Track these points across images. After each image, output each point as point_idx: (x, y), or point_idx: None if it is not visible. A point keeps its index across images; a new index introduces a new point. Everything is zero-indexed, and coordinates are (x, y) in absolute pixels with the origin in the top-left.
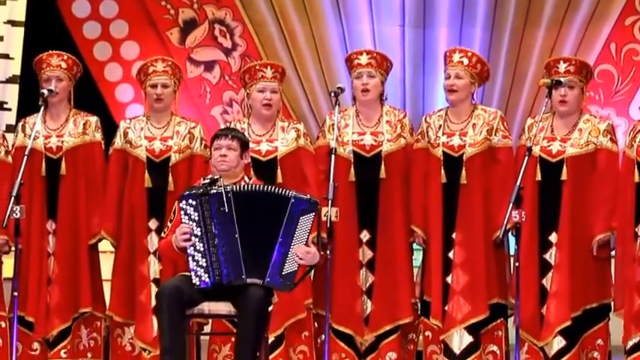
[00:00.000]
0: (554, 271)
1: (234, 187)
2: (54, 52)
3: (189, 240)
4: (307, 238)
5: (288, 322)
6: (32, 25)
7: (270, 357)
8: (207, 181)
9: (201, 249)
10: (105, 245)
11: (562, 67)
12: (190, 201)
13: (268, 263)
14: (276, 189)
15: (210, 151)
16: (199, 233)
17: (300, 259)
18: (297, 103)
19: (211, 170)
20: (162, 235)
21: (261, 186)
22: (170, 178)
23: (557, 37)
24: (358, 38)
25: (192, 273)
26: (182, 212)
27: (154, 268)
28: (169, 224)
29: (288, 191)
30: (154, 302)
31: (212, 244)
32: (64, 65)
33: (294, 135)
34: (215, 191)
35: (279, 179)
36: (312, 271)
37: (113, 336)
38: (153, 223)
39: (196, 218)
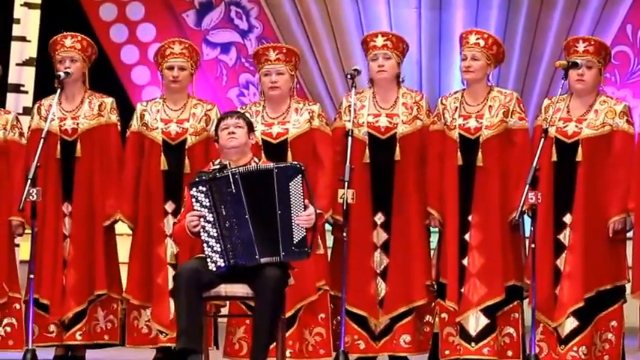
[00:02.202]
0: (567, 253)
1: (240, 169)
2: (68, 33)
3: (197, 226)
4: (303, 201)
5: (299, 305)
6: (49, 8)
7: None
8: (216, 166)
9: (215, 234)
10: (121, 228)
11: (581, 46)
12: (200, 187)
13: (277, 238)
14: (260, 165)
15: (217, 134)
16: (212, 219)
17: (305, 225)
18: (313, 85)
19: (220, 153)
20: (176, 221)
21: (253, 165)
22: (186, 161)
23: (574, 19)
24: (374, 20)
25: (208, 259)
26: (193, 199)
27: (171, 250)
28: (183, 210)
29: (269, 164)
30: (170, 285)
31: (224, 228)
32: (78, 46)
33: (307, 116)
34: (223, 175)
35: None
36: (330, 248)
37: (130, 318)
38: (169, 206)
39: (207, 204)
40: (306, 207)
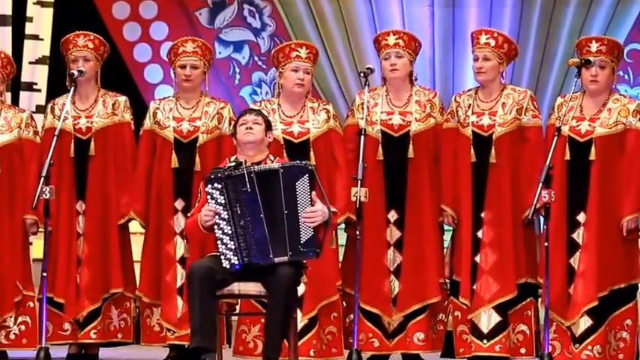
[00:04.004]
0: (581, 251)
1: (255, 167)
2: (80, 32)
3: (209, 221)
4: (311, 201)
5: (320, 304)
6: (61, 6)
7: (304, 339)
8: (232, 163)
9: (229, 232)
10: (134, 226)
11: (594, 46)
12: (216, 185)
13: (285, 238)
14: (267, 165)
15: (236, 129)
16: (226, 216)
17: (310, 222)
18: (326, 84)
19: (237, 149)
20: (189, 215)
21: (264, 165)
22: (197, 159)
23: (587, 16)
24: (387, 18)
25: (222, 256)
26: (208, 196)
27: (180, 248)
28: (197, 205)
29: (276, 164)
30: (179, 283)
31: (239, 227)
32: (90, 45)
33: (324, 116)
34: (238, 173)
35: (312, 161)
36: (342, 246)
37: (143, 316)
38: (179, 204)
39: (222, 201)
40: (313, 205)
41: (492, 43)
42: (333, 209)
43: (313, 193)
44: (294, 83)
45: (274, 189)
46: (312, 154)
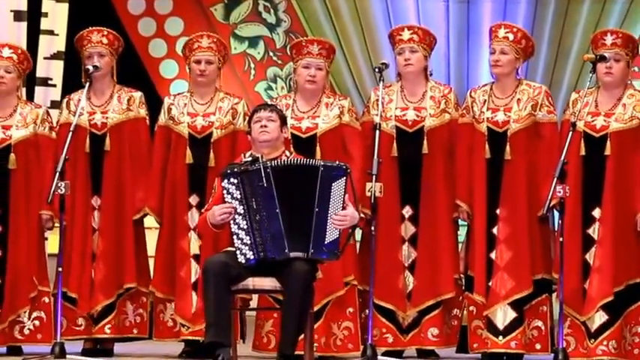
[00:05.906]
0: (597, 247)
1: (273, 162)
2: (94, 28)
3: (226, 218)
4: (343, 203)
5: (326, 299)
6: (77, 1)
7: None
8: (248, 158)
9: (245, 226)
10: (149, 221)
11: (609, 39)
12: (232, 179)
13: (309, 235)
14: (306, 160)
15: (250, 126)
16: (242, 211)
17: (339, 225)
18: (341, 79)
19: (252, 145)
20: (202, 211)
21: (294, 159)
22: (211, 154)
23: (602, 12)
24: (402, 13)
25: (237, 251)
26: (224, 191)
27: (195, 244)
28: (211, 201)
29: (316, 161)
30: (193, 278)
31: (255, 221)
32: (105, 41)
33: (337, 112)
34: (255, 168)
35: (318, 156)
36: (358, 242)
37: (156, 312)
38: (194, 199)
39: (238, 196)
40: (344, 208)
41: (511, 37)
42: (362, 214)
43: (346, 196)
44: (305, 80)
45: (304, 184)
46: (318, 149)
